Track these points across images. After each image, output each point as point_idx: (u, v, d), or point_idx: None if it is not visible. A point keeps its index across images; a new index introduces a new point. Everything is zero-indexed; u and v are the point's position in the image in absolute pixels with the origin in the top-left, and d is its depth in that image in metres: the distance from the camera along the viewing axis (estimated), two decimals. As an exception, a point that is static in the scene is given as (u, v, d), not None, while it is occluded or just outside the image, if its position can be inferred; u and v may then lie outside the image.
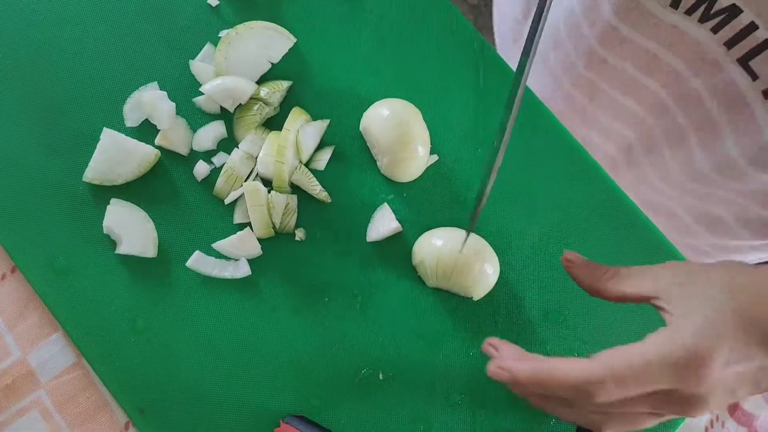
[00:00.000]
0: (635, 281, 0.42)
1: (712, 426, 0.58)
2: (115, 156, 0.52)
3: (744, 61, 0.51)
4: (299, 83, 0.56)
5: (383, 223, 0.54)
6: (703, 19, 0.51)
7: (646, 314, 0.52)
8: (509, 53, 0.84)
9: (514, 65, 0.48)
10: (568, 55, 0.67)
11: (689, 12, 0.51)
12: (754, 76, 0.51)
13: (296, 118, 0.53)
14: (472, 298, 0.53)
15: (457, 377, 0.53)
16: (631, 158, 0.70)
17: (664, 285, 0.41)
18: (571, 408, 0.40)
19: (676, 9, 0.52)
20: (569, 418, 0.41)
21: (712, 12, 0.50)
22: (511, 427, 0.53)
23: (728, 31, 0.50)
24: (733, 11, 0.48)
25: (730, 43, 0.51)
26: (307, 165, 0.54)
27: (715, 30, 0.51)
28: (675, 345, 0.37)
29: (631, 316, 0.54)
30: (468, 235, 0.50)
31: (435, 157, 0.56)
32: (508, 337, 0.54)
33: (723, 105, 0.56)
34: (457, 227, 0.54)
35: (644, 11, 0.54)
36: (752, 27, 0.48)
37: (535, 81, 0.76)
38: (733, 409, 0.58)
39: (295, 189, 0.54)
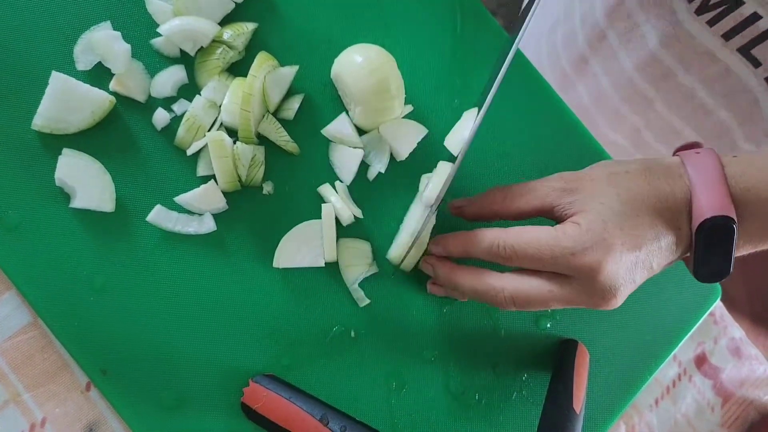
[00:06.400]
0: (528, 196, 0.45)
1: (679, 379, 0.59)
2: (66, 102, 0.48)
3: (745, 50, 0.50)
4: (266, 25, 0.52)
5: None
6: (700, 12, 0.51)
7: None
8: None
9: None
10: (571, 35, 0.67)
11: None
12: (756, 63, 0.51)
13: (263, 63, 0.49)
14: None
15: (429, 334, 0.53)
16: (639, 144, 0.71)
17: (555, 194, 0.44)
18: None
19: None
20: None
21: (710, 3, 0.49)
22: (483, 382, 0.53)
23: (728, 22, 0.49)
24: (734, 3, 0.48)
25: (728, 35, 0.50)
26: (274, 114, 0.51)
27: (711, 23, 0.50)
28: (567, 236, 0.41)
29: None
30: (436, 206, 0.49)
31: (409, 108, 0.53)
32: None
33: (719, 94, 0.56)
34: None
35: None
36: (755, 17, 0.48)
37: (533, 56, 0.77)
38: (700, 362, 0.59)
39: (262, 140, 0.51)
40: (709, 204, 0.40)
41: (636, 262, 0.41)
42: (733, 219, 0.40)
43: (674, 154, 0.45)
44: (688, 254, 0.43)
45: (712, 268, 0.42)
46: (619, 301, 0.42)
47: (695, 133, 0.62)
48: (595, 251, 0.40)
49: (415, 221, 0.51)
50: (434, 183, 0.50)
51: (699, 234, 0.41)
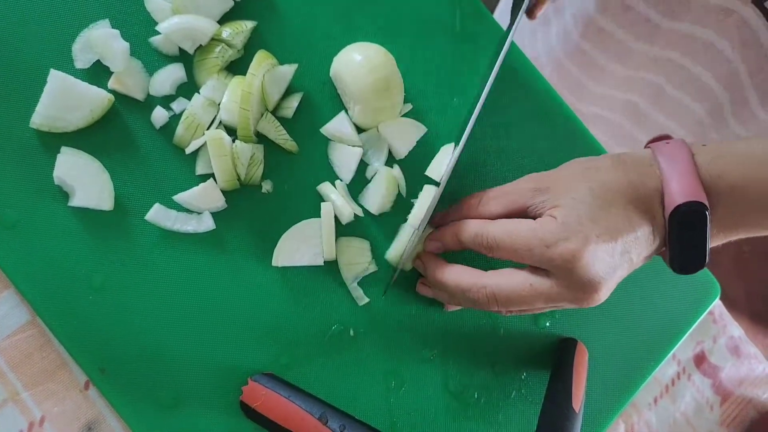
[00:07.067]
0: (501, 199, 0.46)
1: (678, 378, 0.59)
2: (65, 100, 0.48)
3: (759, 2, 0.50)
4: (265, 24, 0.52)
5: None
6: None
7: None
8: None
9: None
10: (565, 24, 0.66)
11: None
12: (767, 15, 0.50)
13: (262, 62, 0.49)
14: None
15: (428, 332, 0.53)
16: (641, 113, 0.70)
17: (528, 195, 0.45)
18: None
19: None
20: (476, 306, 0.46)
21: None
22: (482, 381, 0.53)
23: None
24: None
25: None
26: (273, 113, 0.51)
27: None
28: (543, 229, 0.42)
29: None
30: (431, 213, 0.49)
31: (409, 106, 0.53)
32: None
33: (736, 45, 0.55)
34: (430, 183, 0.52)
35: None
36: None
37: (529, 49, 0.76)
38: (700, 361, 0.59)
39: (261, 138, 0.51)
40: (680, 191, 0.40)
41: (613, 254, 0.41)
42: (705, 204, 0.40)
43: (646, 147, 0.45)
44: (665, 249, 0.43)
45: (688, 256, 0.41)
46: (601, 296, 0.42)
47: (714, 80, 0.61)
48: (569, 243, 0.41)
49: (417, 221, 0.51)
50: (419, 206, 0.51)
51: (672, 221, 0.41)
